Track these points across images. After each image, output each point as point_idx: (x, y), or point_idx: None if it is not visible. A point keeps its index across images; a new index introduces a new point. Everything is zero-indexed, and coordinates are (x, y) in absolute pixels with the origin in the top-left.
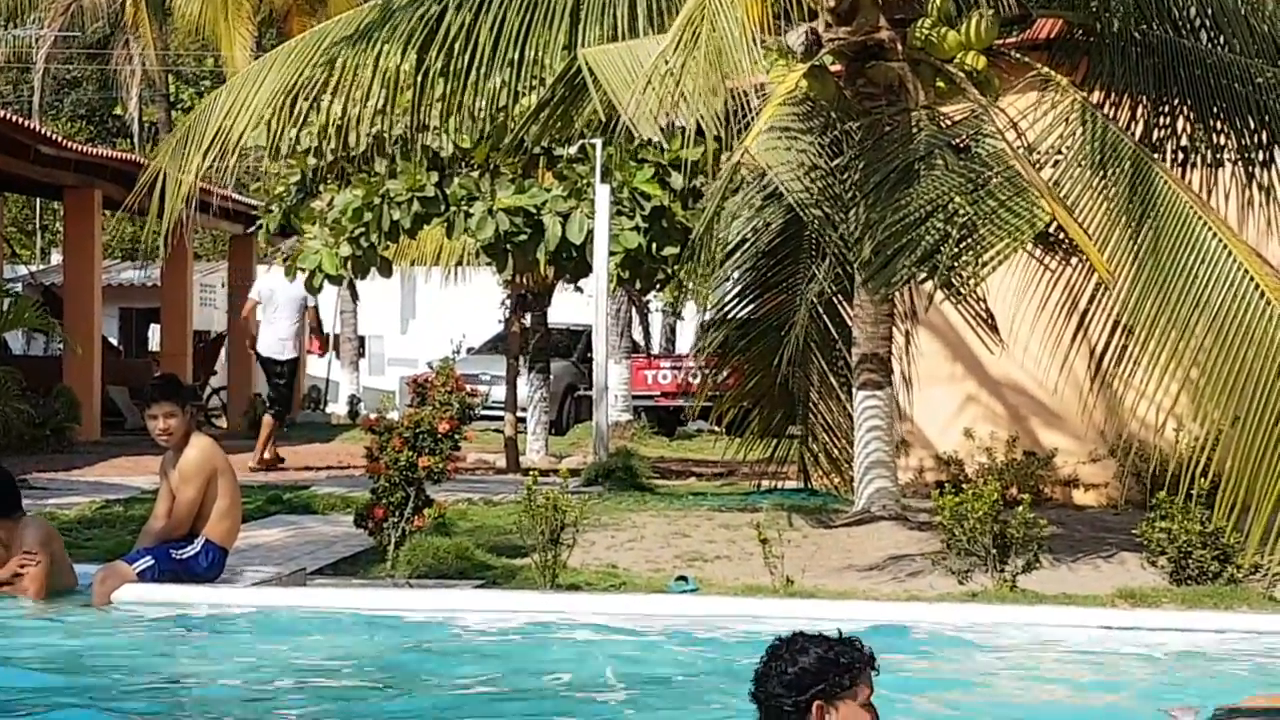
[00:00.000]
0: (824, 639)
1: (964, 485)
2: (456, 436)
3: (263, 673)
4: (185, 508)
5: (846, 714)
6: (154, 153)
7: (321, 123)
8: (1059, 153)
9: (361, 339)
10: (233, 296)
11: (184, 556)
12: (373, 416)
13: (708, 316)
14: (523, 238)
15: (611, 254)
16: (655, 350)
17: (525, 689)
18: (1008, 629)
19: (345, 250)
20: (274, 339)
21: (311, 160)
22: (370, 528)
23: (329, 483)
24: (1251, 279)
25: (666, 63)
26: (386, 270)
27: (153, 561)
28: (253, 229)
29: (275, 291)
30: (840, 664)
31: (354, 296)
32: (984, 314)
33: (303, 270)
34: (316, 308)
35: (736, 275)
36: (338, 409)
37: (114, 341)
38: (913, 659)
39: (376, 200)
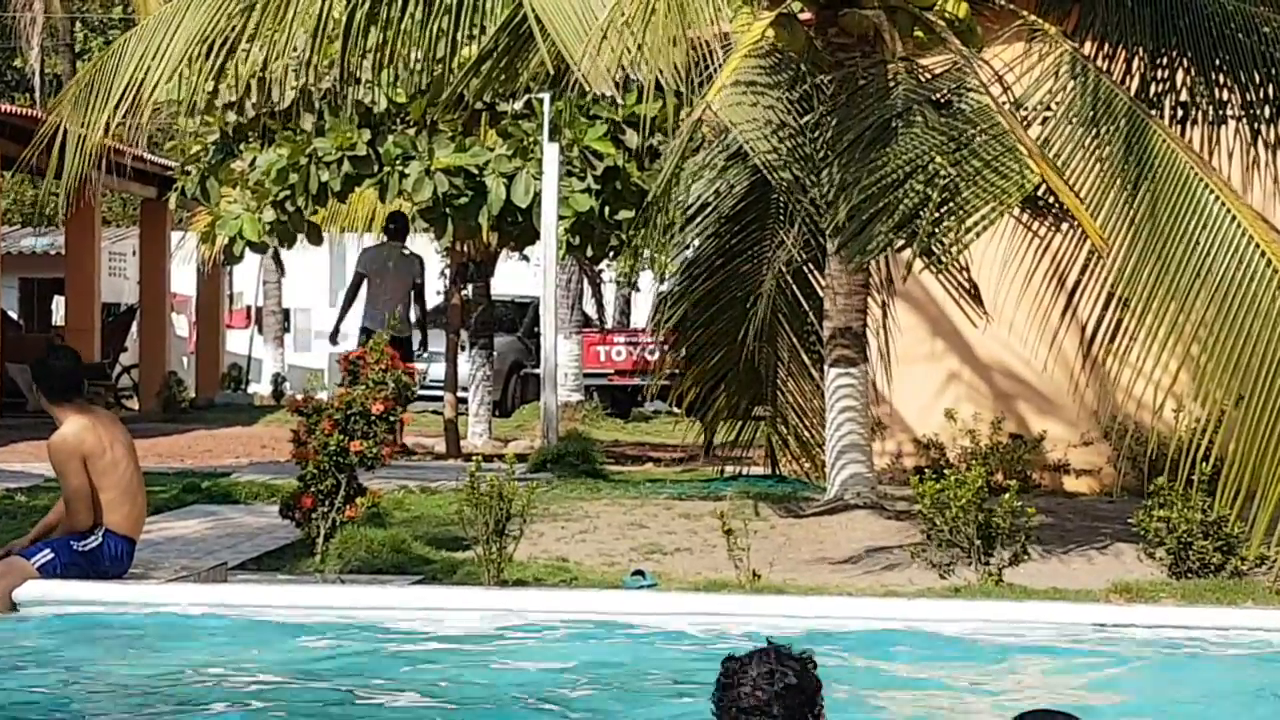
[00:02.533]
0: (783, 649)
1: (945, 471)
2: (392, 418)
3: (178, 677)
4: (70, 497)
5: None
6: (54, 104)
7: (242, 75)
8: (1048, 109)
9: (287, 312)
10: (145, 266)
11: (86, 549)
12: (299, 397)
13: (666, 287)
14: (463, 201)
15: (561, 218)
16: (609, 325)
17: (467, 694)
18: (993, 626)
19: (269, 215)
20: (383, 318)
21: (231, 116)
22: (297, 518)
23: (252, 469)
24: (1257, 245)
25: (623, 11)
26: (315, 237)
27: (52, 555)
28: (167, 192)
29: (385, 269)
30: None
31: (278, 266)
32: (967, 285)
33: (220, 236)
34: (422, 283)
35: (697, 242)
36: (260, 389)
37: (13, 315)
38: (891, 659)
39: (303, 160)
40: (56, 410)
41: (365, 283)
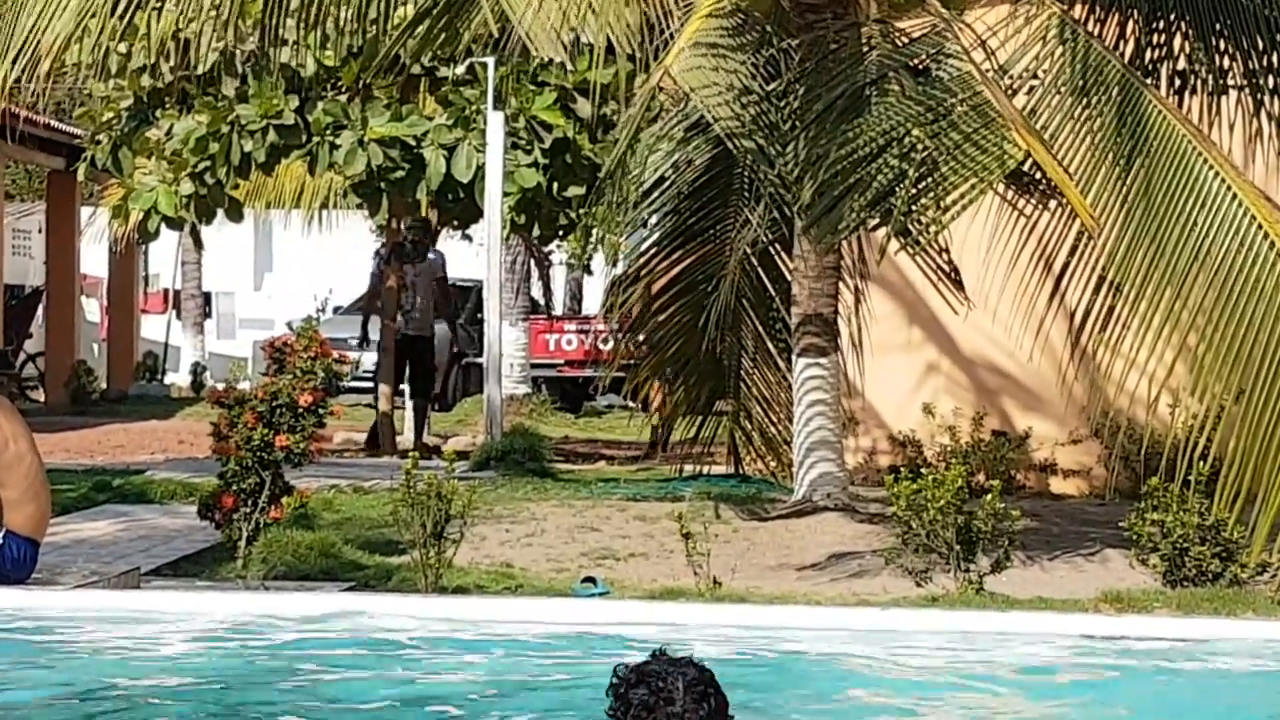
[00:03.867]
0: (682, 660)
1: (923, 470)
2: (321, 411)
3: (85, 691)
4: None
5: None
6: None
7: (157, 35)
8: (1035, 77)
9: (207, 296)
10: (52, 244)
11: None
12: (220, 388)
13: (620, 270)
14: (400, 174)
15: (506, 195)
16: (558, 311)
17: (402, 712)
18: (974, 638)
19: (187, 188)
20: (418, 314)
21: (146, 80)
22: (217, 520)
23: (168, 466)
24: (1260, 225)
25: None
26: (236, 213)
27: None
28: (76, 163)
29: (410, 270)
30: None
31: (197, 245)
32: (946, 268)
33: (134, 211)
34: (446, 277)
35: (655, 221)
36: (179, 379)
37: None
38: (862, 674)
39: (224, 129)
40: None
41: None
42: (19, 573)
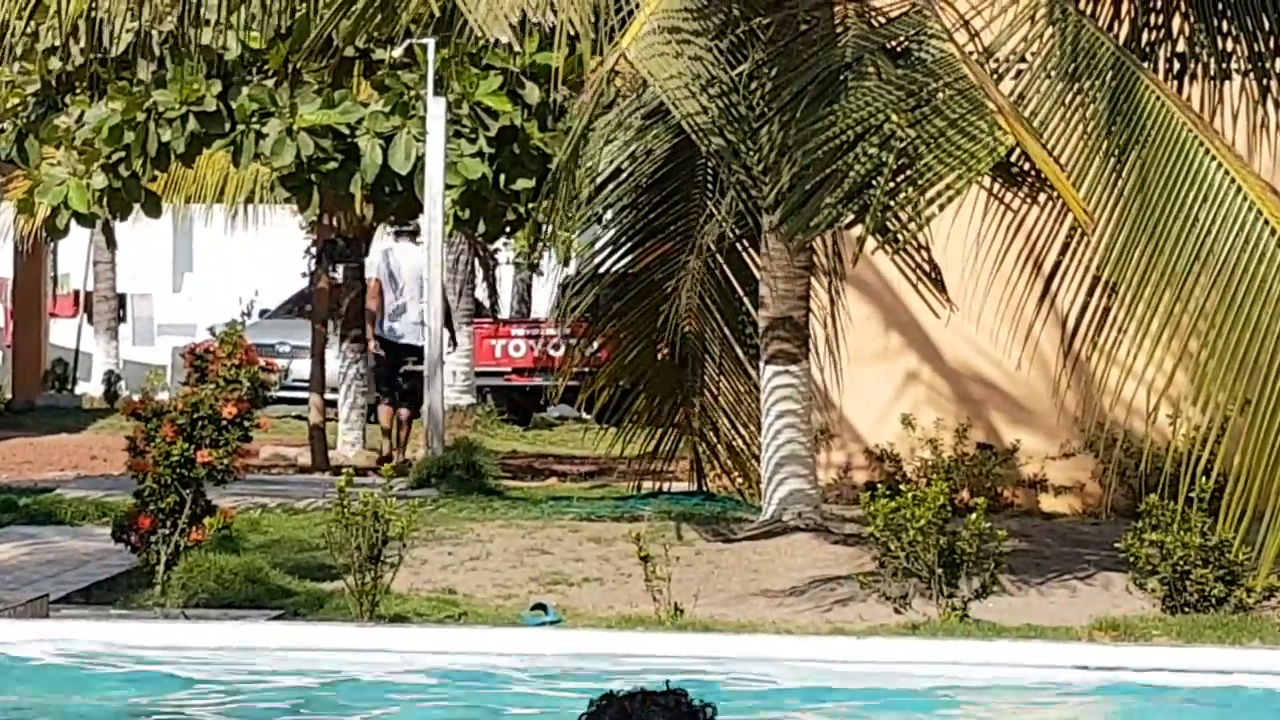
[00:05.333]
0: (665, 695)
1: (902, 487)
2: (247, 424)
3: None
4: None
5: None
6: None
7: (67, 14)
8: (1023, 60)
9: (122, 298)
10: None
11: None
12: (137, 398)
13: (573, 270)
14: (332, 166)
15: (448, 188)
16: (505, 314)
17: None
18: (958, 670)
19: (99, 181)
20: (411, 323)
21: (55, 63)
22: (133, 542)
23: (79, 484)
24: (1266, 221)
25: None
26: (153, 208)
27: None
28: None
29: (401, 265)
30: (707, 717)
31: (110, 243)
32: (928, 268)
33: (41, 205)
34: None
35: (610, 216)
36: (91, 389)
37: None
38: (839, 709)
39: (140, 116)
40: None
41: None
42: None
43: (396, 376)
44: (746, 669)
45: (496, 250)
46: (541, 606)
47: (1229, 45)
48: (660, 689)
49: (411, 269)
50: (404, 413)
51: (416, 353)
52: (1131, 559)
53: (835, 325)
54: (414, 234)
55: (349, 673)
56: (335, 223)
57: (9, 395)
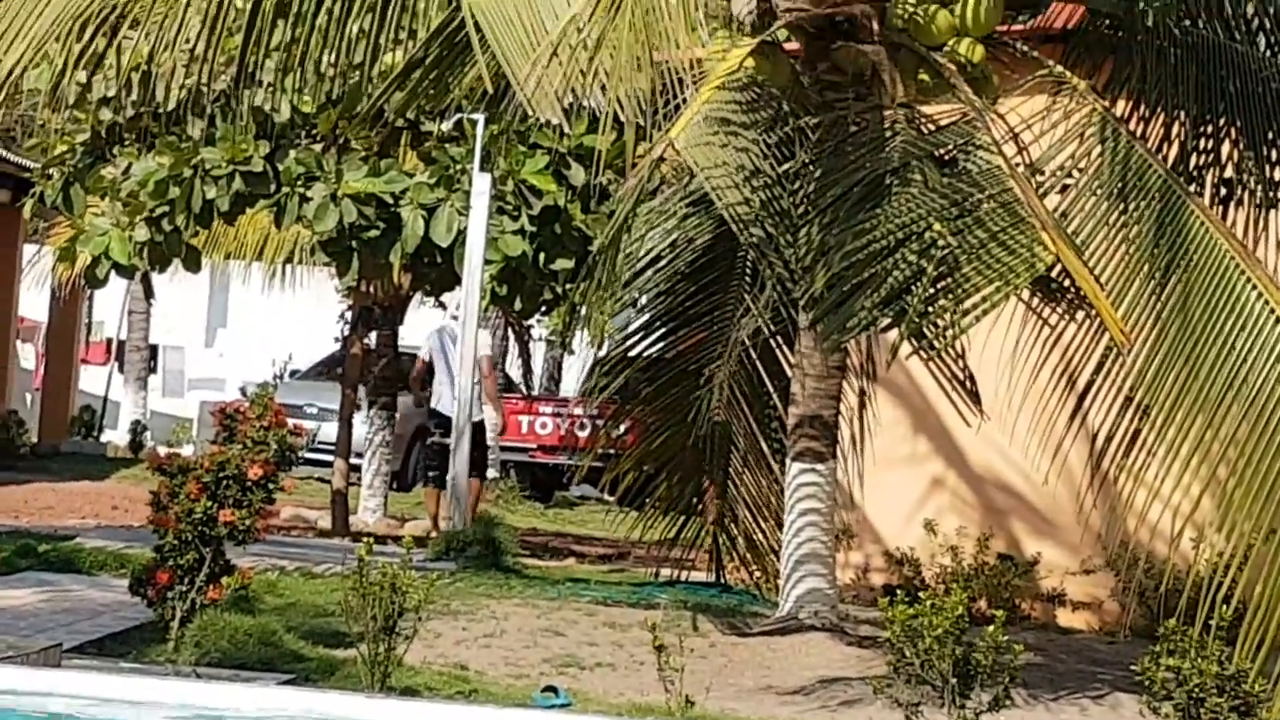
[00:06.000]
0: None
1: (920, 593)
2: (271, 486)
3: None
4: None
5: None
6: None
7: (122, 65)
8: (1070, 176)
9: (154, 349)
10: None
11: None
12: (163, 452)
13: (604, 351)
14: (374, 233)
15: (487, 263)
16: (535, 390)
17: None
18: None
19: (141, 234)
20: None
21: (106, 114)
22: (150, 596)
23: (100, 534)
24: None
25: (579, 26)
26: (193, 263)
27: None
28: (22, 199)
29: (451, 348)
30: None
31: (148, 294)
32: (961, 376)
33: (82, 254)
34: (492, 358)
35: (646, 301)
36: (116, 437)
37: None
38: None
39: (187, 172)
40: None
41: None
42: None
43: (444, 454)
44: None
45: (531, 327)
46: (553, 689)
47: (1277, 174)
48: None
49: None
50: (474, 482)
51: (474, 425)
52: (1147, 682)
53: (863, 426)
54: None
55: None
56: (372, 290)
57: (35, 439)
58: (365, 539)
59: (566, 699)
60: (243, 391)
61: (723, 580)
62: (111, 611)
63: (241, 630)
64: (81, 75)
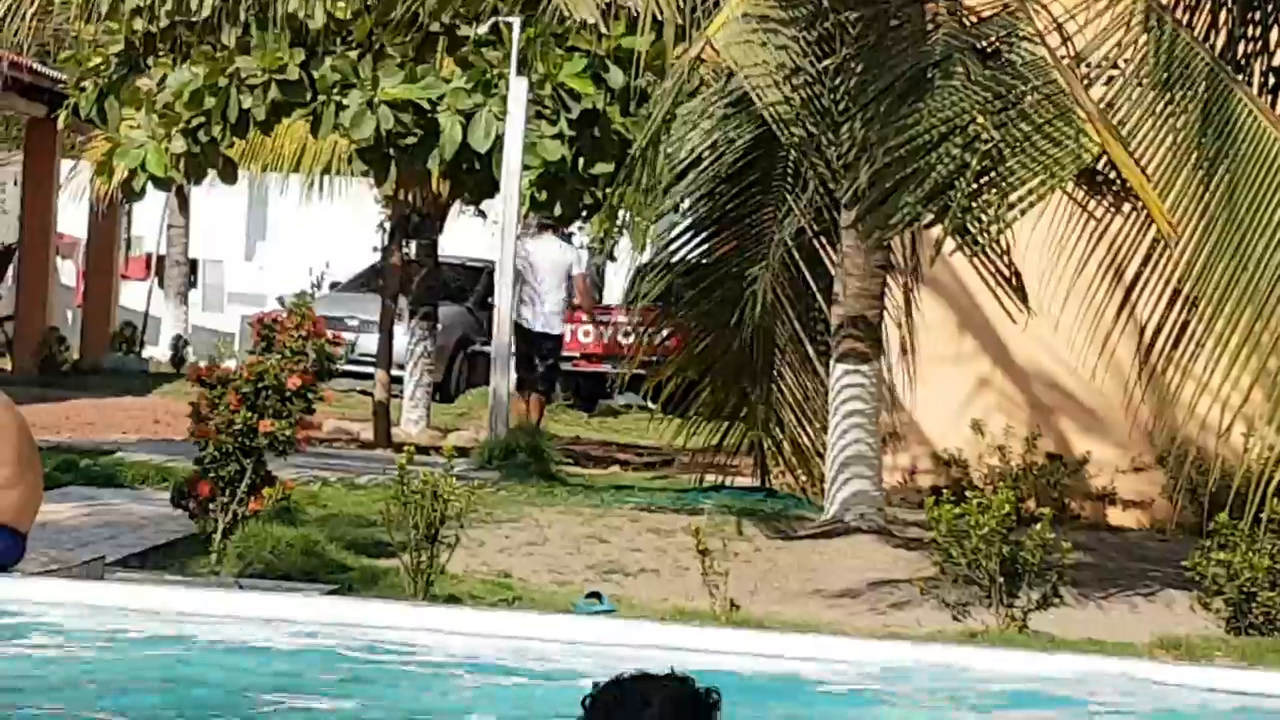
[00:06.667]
0: (666, 678)
1: (967, 494)
2: (311, 396)
3: (36, 687)
4: None
5: None
6: None
7: None
8: (1114, 67)
9: (193, 264)
10: (27, 196)
11: None
12: (203, 365)
13: (647, 257)
14: (411, 141)
15: (526, 168)
16: (576, 299)
17: None
18: (1014, 680)
19: (178, 145)
20: (541, 314)
21: (140, 24)
22: (192, 509)
23: (141, 448)
24: None
25: None
26: (230, 175)
27: None
28: (58, 111)
29: (536, 262)
30: (707, 703)
31: (183, 207)
32: (1007, 272)
33: (119, 168)
34: (586, 276)
35: (687, 205)
36: (158, 353)
37: None
38: (893, 712)
39: (222, 81)
40: None
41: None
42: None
43: (531, 363)
44: (799, 668)
45: (571, 234)
46: (596, 595)
47: None
48: (664, 673)
49: (550, 263)
50: (535, 397)
51: (552, 340)
52: (1197, 578)
53: (912, 326)
54: (555, 228)
55: (401, 651)
56: (410, 198)
57: (77, 355)
58: (406, 449)
59: (610, 605)
60: (281, 303)
61: (768, 485)
62: (154, 524)
63: (284, 541)
64: None
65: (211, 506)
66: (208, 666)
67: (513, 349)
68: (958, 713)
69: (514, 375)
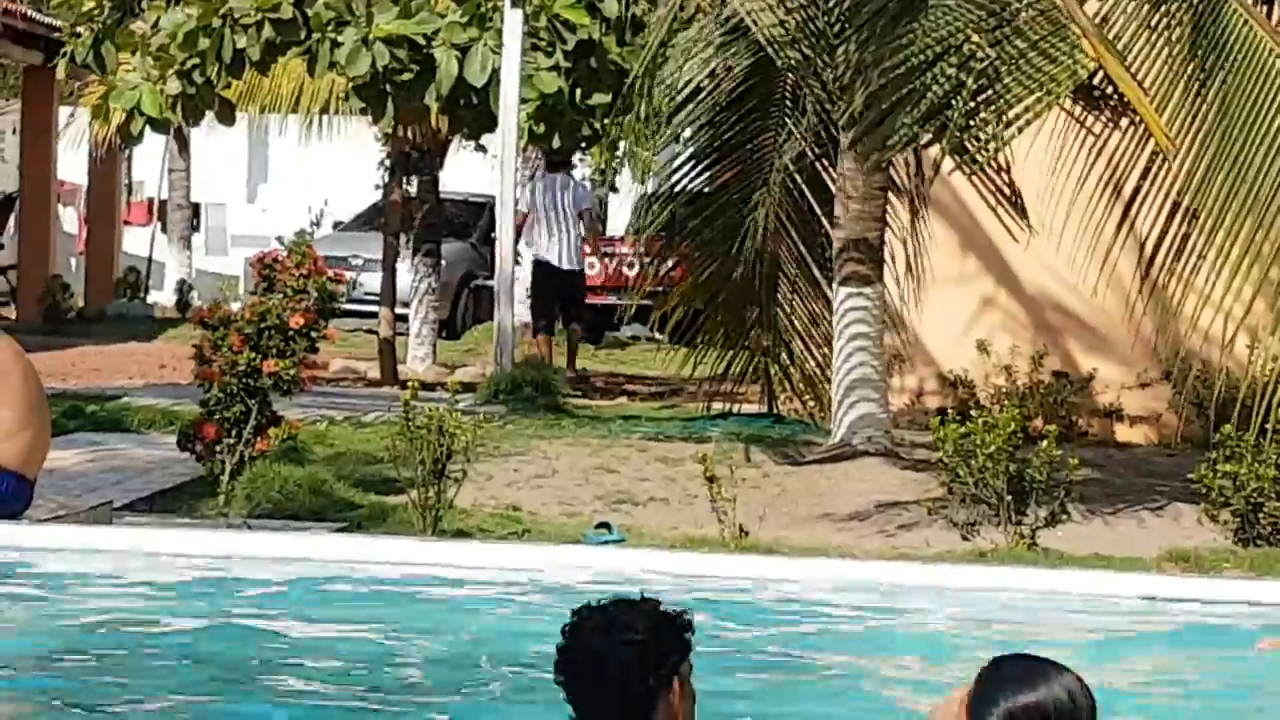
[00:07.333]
0: (639, 601)
1: (973, 413)
2: (314, 334)
3: (46, 635)
4: None
5: (689, 688)
6: None
7: None
8: None
9: (195, 208)
10: (26, 144)
11: None
12: (206, 308)
13: (650, 188)
14: (408, 76)
15: (523, 101)
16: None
17: (393, 669)
18: (1024, 598)
19: (173, 87)
20: (567, 253)
21: None
22: (199, 451)
23: (147, 392)
24: None
25: None
26: (227, 115)
27: None
28: (54, 59)
29: (553, 201)
30: (679, 621)
31: (183, 150)
32: (1006, 190)
33: (115, 110)
34: (592, 210)
35: (688, 134)
36: (163, 298)
37: None
38: (902, 633)
39: (216, 22)
40: None
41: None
42: (6, 507)
43: (553, 304)
44: (809, 593)
45: (572, 167)
46: (605, 525)
47: None
48: (637, 598)
49: (568, 200)
50: (577, 330)
51: (580, 276)
52: (1204, 490)
53: (918, 246)
54: (567, 167)
55: (411, 586)
56: (410, 135)
57: (81, 302)
58: (411, 385)
59: (619, 535)
60: (281, 243)
61: (775, 411)
62: (161, 468)
63: (291, 481)
64: None
65: (218, 448)
66: (218, 609)
67: (528, 289)
68: (968, 631)
69: (529, 317)
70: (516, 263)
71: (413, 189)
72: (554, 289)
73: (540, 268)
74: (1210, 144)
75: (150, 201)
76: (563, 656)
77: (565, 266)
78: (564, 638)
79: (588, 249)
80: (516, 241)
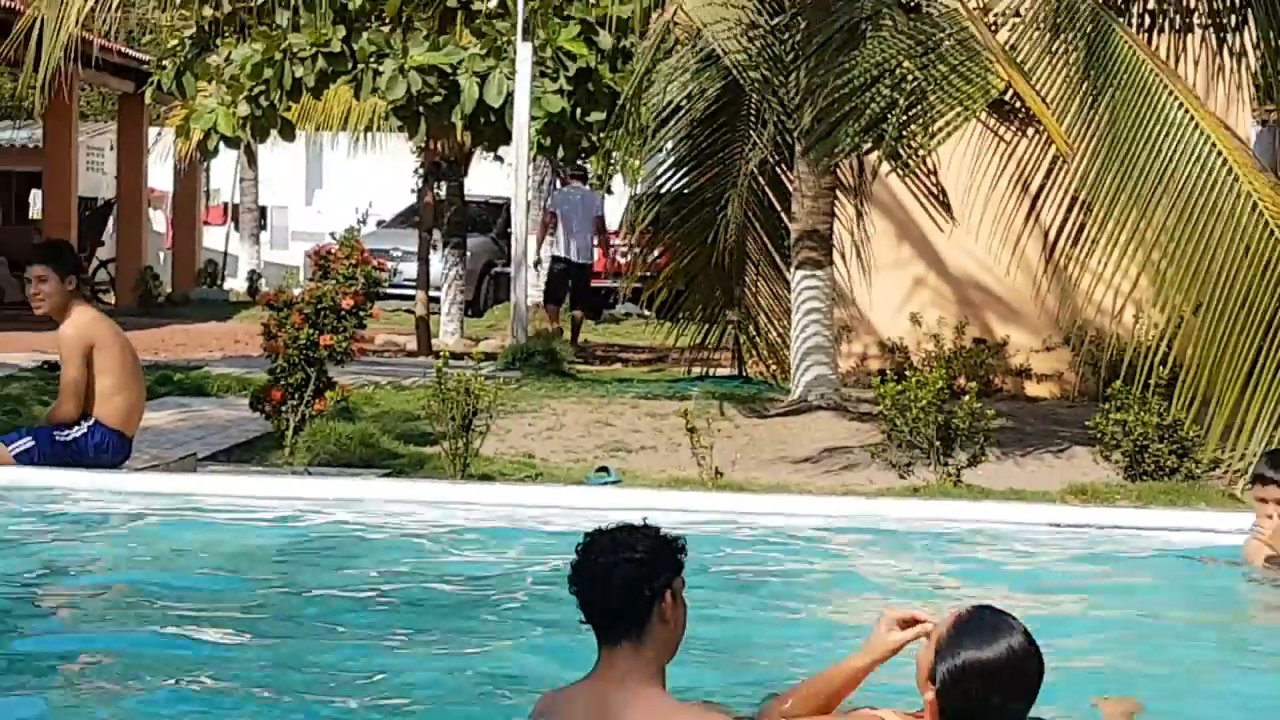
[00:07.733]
0: (641, 526)
1: (907, 373)
2: (361, 313)
3: (144, 566)
4: (66, 387)
5: (681, 599)
6: None
7: None
8: (1016, 14)
9: (263, 210)
10: (122, 160)
11: (68, 439)
12: (272, 293)
13: (639, 190)
14: (437, 99)
15: (533, 119)
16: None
17: (431, 587)
18: (950, 526)
19: (243, 110)
20: (581, 250)
21: (207, 11)
22: (267, 411)
23: (224, 363)
24: (1219, 153)
25: None
26: (288, 133)
27: (32, 443)
28: (144, 86)
29: (573, 209)
30: (674, 544)
31: (251, 161)
32: (934, 189)
33: (195, 130)
34: (602, 215)
35: (670, 145)
36: (236, 285)
37: None
38: (848, 557)
39: (278, 55)
40: (72, 301)
41: (558, 219)
42: (105, 459)
43: (562, 289)
44: (772, 522)
45: (588, 180)
46: (605, 469)
47: (1193, 3)
48: (640, 524)
49: (583, 208)
50: (578, 313)
51: (589, 269)
52: (1099, 435)
53: (864, 235)
54: (582, 178)
55: (445, 522)
56: (439, 148)
57: (169, 289)
58: (443, 354)
59: (617, 477)
60: (333, 238)
61: (744, 374)
62: (237, 426)
63: (344, 435)
64: None
65: (283, 409)
66: (286, 542)
67: (544, 278)
68: (905, 556)
69: (540, 298)
70: (538, 260)
71: (442, 192)
72: (567, 277)
73: (558, 261)
74: (1102, 148)
75: (225, 205)
76: (576, 570)
77: (578, 260)
78: (577, 555)
79: (596, 245)
80: (540, 240)
